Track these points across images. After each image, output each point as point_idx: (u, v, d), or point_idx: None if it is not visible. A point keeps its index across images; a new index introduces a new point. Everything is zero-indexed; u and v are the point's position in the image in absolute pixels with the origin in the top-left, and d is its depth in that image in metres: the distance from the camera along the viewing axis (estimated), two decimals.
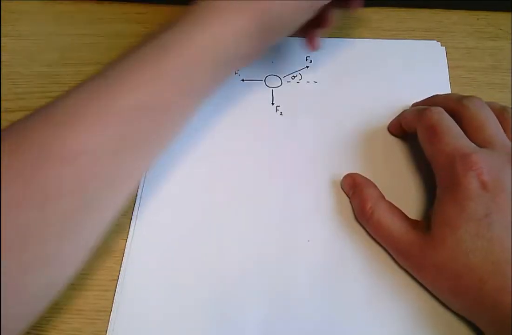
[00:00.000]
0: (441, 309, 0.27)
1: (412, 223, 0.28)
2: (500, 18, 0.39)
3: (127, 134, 0.24)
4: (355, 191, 0.30)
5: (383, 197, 0.29)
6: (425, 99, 0.33)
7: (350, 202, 0.30)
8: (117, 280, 0.28)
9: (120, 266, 0.28)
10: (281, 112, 0.35)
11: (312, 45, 0.34)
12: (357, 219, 0.30)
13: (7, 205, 0.21)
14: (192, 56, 0.26)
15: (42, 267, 0.22)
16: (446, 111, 0.29)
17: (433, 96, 0.33)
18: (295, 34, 0.31)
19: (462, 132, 0.27)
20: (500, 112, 0.29)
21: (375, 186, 0.30)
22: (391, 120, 0.33)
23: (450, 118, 0.28)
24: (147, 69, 0.25)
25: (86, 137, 0.23)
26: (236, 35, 0.27)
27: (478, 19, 0.40)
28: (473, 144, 0.27)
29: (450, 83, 0.36)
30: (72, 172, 0.23)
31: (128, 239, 0.29)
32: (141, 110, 0.25)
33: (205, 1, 0.27)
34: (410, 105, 0.34)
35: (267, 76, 0.36)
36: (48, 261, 0.23)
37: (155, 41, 0.26)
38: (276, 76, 0.36)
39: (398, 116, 0.33)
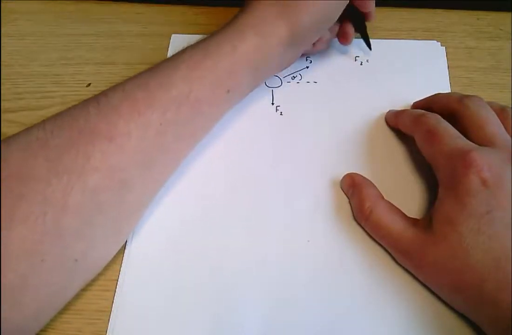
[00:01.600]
0: (441, 308, 0.27)
1: (411, 221, 0.28)
2: (500, 18, 0.39)
3: (169, 122, 0.27)
4: (354, 191, 0.30)
5: (382, 196, 0.29)
6: (426, 98, 0.33)
7: (350, 202, 0.30)
8: (117, 280, 0.28)
9: (120, 266, 0.28)
10: (281, 112, 0.35)
11: (344, 38, 0.35)
12: (355, 219, 0.30)
13: (55, 173, 0.24)
14: (233, 62, 0.29)
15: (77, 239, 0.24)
16: (447, 110, 0.30)
17: (434, 95, 0.33)
18: None
19: (460, 134, 0.28)
20: (499, 112, 0.29)
21: (374, 186, 0.30)
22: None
23: (446, 122, 0.28)
24: (189, 69, 0.28)
25: (132, 120, 0.26)
26: (272, 46, 0.30)
27: (478, 19, 0.40)
28: (472, 143, 0.27)
29: (450, 83, 0.36)
30: (114, 150, 0.25)
31: (128, 239, 0.29)
32: (181, 101, 0.27)
33: (244, 13, 0.30)
34: (411, 104, 0.34)
35: None
36: (79, 237, 0.24)
37: (197, 48, 0.29)
38: (276, 76, 0.36)
39: (397, 114, 0.33)
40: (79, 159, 0.24)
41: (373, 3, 0.34)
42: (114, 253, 0.28)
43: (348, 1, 0.32)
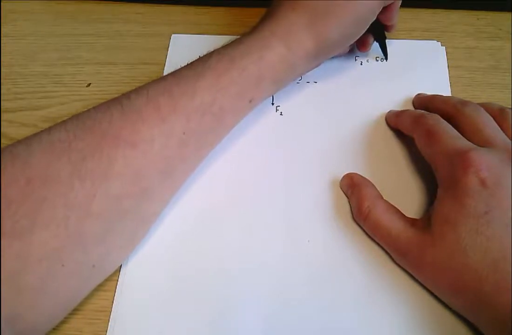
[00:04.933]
0: (441, 309, 0.27)
1: (410, 221, 0.28)
2: (500, 18, 0.39)
3: (192, 130, 0.27)
4: (353, 190, 0.30)
5: (381, 196, 0.29)
6: (425, 97, 0.34)
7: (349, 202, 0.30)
8: (117, 280, 0.28)
9: (120, 267, 0.28)
10: (281, 112, 0.35)
11: (363, 46, 0.36)
12: (354, 219, 0.30)
13: (79, 177, 0.23)
14: (258, 73, 0.29)
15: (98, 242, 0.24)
16: (444, 115, 0.29)
17: (433, 96, 0.33)
18: None
19: (459, 134, 0.28)
20: (499, 113, 0.29)
21: (373, 186, 0.30)
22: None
23: (446, 122, 0.28)
24: (214, 78, 0.27)
25: (155, 127, 0.25)
26: (297, 58, 0.30)
27: (478, 19, 0.40)
28: (471, 143, 0.27)
29: (450, 83, 0.36)
30: (138, 156, 0.25)
31: None
32: (205, 110, 0.27)
33: (272, 22, 0.30)
34: (411, 104, 0.35)
35: None
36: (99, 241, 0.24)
37: (223, 54, 0.28)
38: None
39: (397, 114, 0.33)
40: (103, 163, 0.24)
41: (397, 17, 0.34)
42: (126, 258, 0.28)
43: (375, 17, 0.32)
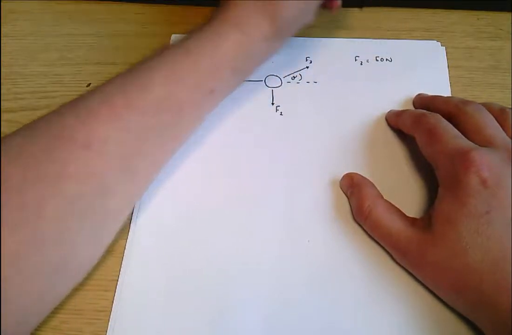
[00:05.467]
0: (441, 309, 0.27)
1: (411, 221, 0.28)
2: (500, 18, 0.39)
3: (150, 126, 0.26)
4: (353, 190, 0.30)
5: (381, 196, 0.29)
6: (426, 97, 0.34)
7: (349, 201, 0.30)
8: (117, 280, 0.28)
9: (120, 266, 0.28)
10: (281, 112, 0.35)
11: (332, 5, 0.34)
12: (355, 218, 0.30)
13: (31, 181, 0.23)
14: (215, 62, 0.28)
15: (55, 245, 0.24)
16: (445, 115, 0.30)
17: (433, 97, 0.33)
18: None
19: (460, 133, 0.28)
20: (499, 113, 0.29)
21: (373, 185, 0.30)
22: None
23: (447, 122, 0.28)
24: (169, 70, 0.27)
25: (110, 125, 0.25)
26: (255, 42, 0.29)
27: (478, 19, 0.40)
28: (472, 143, 0.27)
29: (450, 83, 0.36)
30: (92, 156, 0.24)
31: (128, 239, 0.29)
32: (161, 104, 0.26)
33: (223, 10, 0.29)
34: (411, 104, 0.35)
35: (267, 76, 0.36)
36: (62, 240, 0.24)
37: (177, 48, 0.28)
38: (276, 76, 0.36)
39: (397, 114, 0.33)
40: (56, 166, 0.23)
41: None
42: (97, 259, 0.27)
43: None
